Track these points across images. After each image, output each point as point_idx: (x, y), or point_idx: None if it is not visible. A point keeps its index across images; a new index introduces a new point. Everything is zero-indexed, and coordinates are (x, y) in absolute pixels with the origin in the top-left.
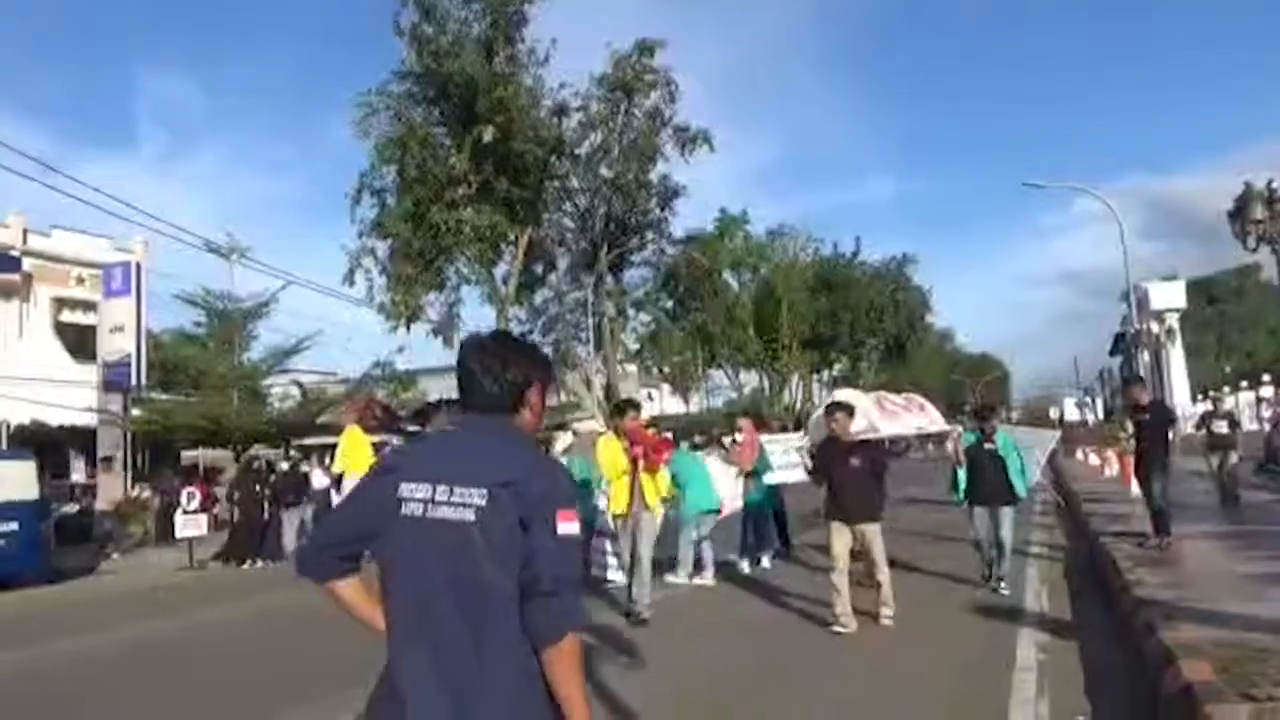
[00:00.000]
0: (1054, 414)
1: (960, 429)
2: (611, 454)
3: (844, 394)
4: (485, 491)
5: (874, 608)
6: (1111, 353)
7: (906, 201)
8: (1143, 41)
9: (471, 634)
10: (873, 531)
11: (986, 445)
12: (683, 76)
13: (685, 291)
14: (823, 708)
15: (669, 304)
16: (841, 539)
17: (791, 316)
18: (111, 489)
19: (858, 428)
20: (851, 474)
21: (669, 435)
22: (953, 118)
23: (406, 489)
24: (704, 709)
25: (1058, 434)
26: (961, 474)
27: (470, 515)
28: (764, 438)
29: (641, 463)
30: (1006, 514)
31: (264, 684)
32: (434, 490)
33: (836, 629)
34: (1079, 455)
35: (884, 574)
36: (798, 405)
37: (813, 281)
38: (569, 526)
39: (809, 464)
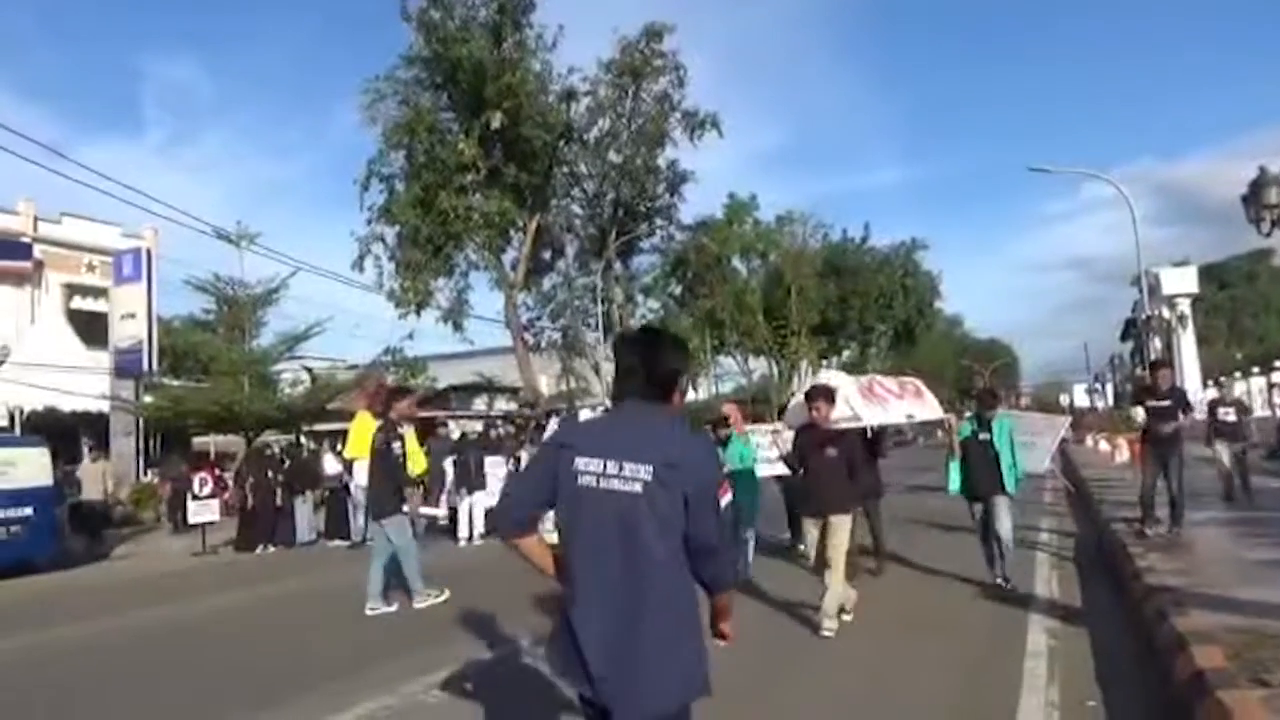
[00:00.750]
0: (1064, 400)
1: (954, 418)
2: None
3: (827, 377)
4: (651, 468)
5: (843, 604)
6: (1122, 338)
7: (915, 186)
8: (1152, 25)
9: (634, 583)
10: (839, 524)
11: (981, 436)
12: (690, 60)
13: (694, 277)
14: (832, 695)
15: (677, 290)
16: (817, 533)
17: (800, 302)
18: (92, 479)
19: (838, 414)
20: (827, 464)
21: None
22: (961, 102)
23: (581, 463)
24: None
25: (1068, 420)
26: (955, 466)
27: (638, 488)
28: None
29: None
30: (1001, 506)
31: (270, 670)
32: (605, 465)
33: (824, 633)
34: (1089, 442)
35: (837, 576)
36: None
37: (822, 267)
38: (724, 499)
39: (783, 451)
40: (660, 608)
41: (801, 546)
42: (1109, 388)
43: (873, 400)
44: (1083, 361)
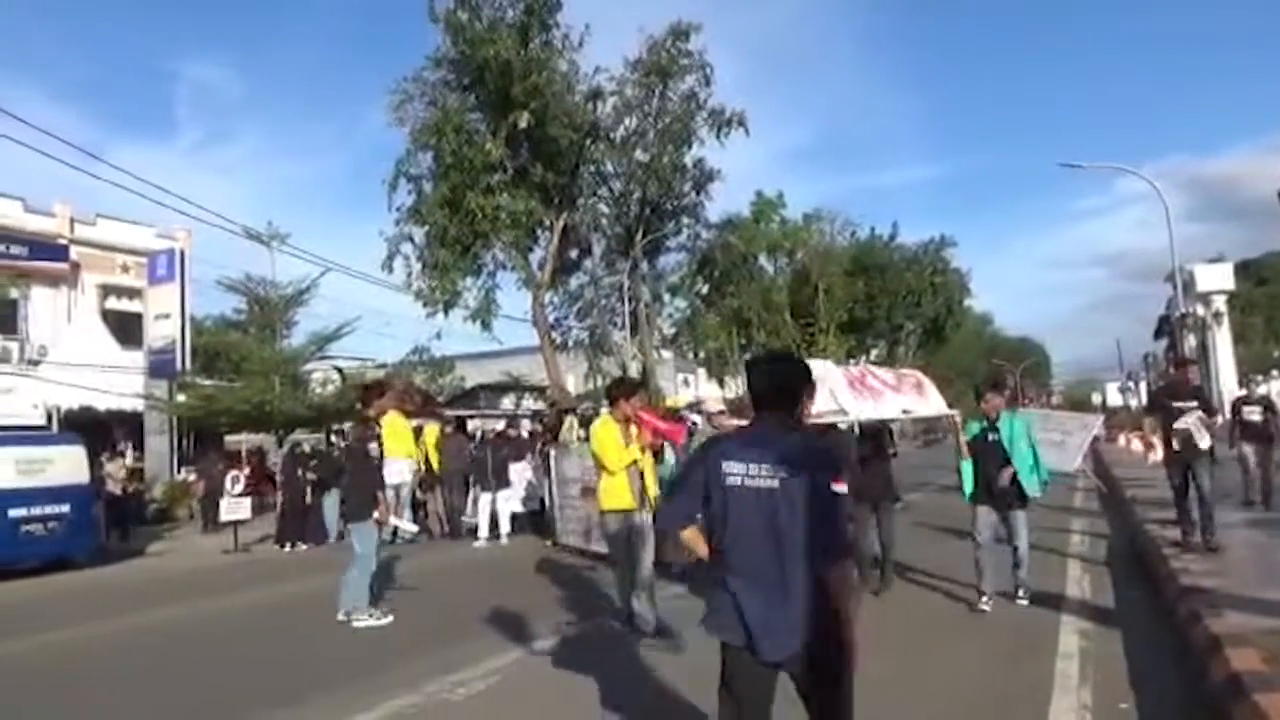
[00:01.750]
0: (1096, 399)
1: (958, 415)
2: (608, 442)
3: (810, 366)
4: (785, 468)
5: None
6: (1156, 336)
7: (944, 183)
8: (1185, 18)
9: (777, 562)
10: None
11: (991, 435)
12: (717, 58)
13: (721, 276)
14: (863, 695)
15: (704, 289)
16: None
17: (828, 301)
18: (113, 476)
19: (822, 408)
20: None
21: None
22: (990, 98)
23: (728, 466)
24: None
25: (1100, 419)
26: (967, 468)
27: (776, 484)
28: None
29: (646, 453)
30: (1018, 519)
31: (297, 668)
32: (748, 467)
33: None
34: (1121, 441)
35: None
36: None
37: (849, 265)
38: (841, 488)
39: None
40: (795, 577)
41: None
42: (1142, 386)
43: (863, 393)
44: (1115, 359)
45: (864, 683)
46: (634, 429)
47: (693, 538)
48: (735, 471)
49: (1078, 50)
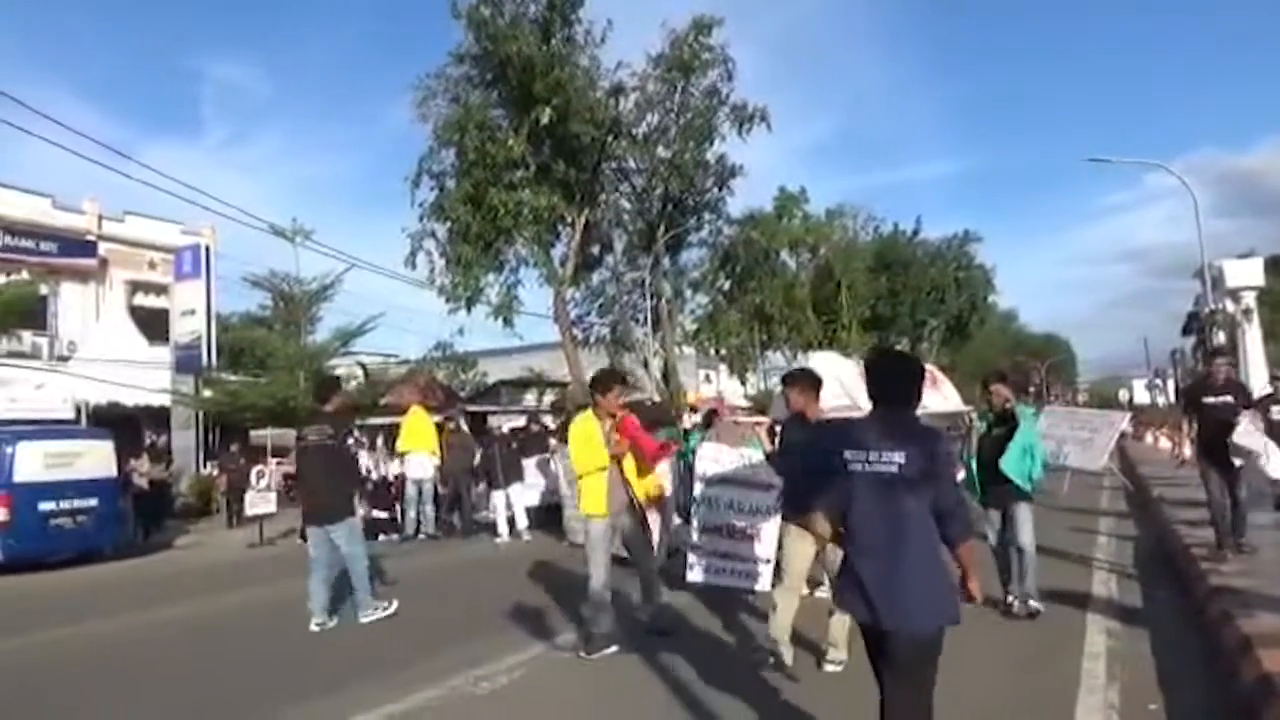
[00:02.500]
0: (1123, 396)
1: (971, 413)
2: (583, 441)
3: (820, 359)
4: (903, 454)
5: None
6: (1184, 333)
7: (968, 178)
8: (1215, 12)
9: (897, 538)
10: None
11: (996, 431)
12: (739, 52)
13: (743, 272)
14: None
15: (726, 285)
16: (800, 545)
17: (850, 297)
18: (143, 470)
19: (834, 404)
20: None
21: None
22: (1016, 93)
23: (849, 454)
24: (765, 709)
25: (1127, 416)
26: (973, 465)
27: (894, 469)
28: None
29: (620, 460)
30: (1020, 513)
31: (321, 661)
32: (868, 455)
33: (774, 658)
34: (1149, 439)
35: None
36: None
37: (872, 261)
38: (958, 475)
39: (766, 447)
40: (916, 556)
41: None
42: (1170, 383)
43: None
44: (1142, 356)
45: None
46: (614, 427)
47: (815, 523)
48: (857, 459)
49: (1106, 44)
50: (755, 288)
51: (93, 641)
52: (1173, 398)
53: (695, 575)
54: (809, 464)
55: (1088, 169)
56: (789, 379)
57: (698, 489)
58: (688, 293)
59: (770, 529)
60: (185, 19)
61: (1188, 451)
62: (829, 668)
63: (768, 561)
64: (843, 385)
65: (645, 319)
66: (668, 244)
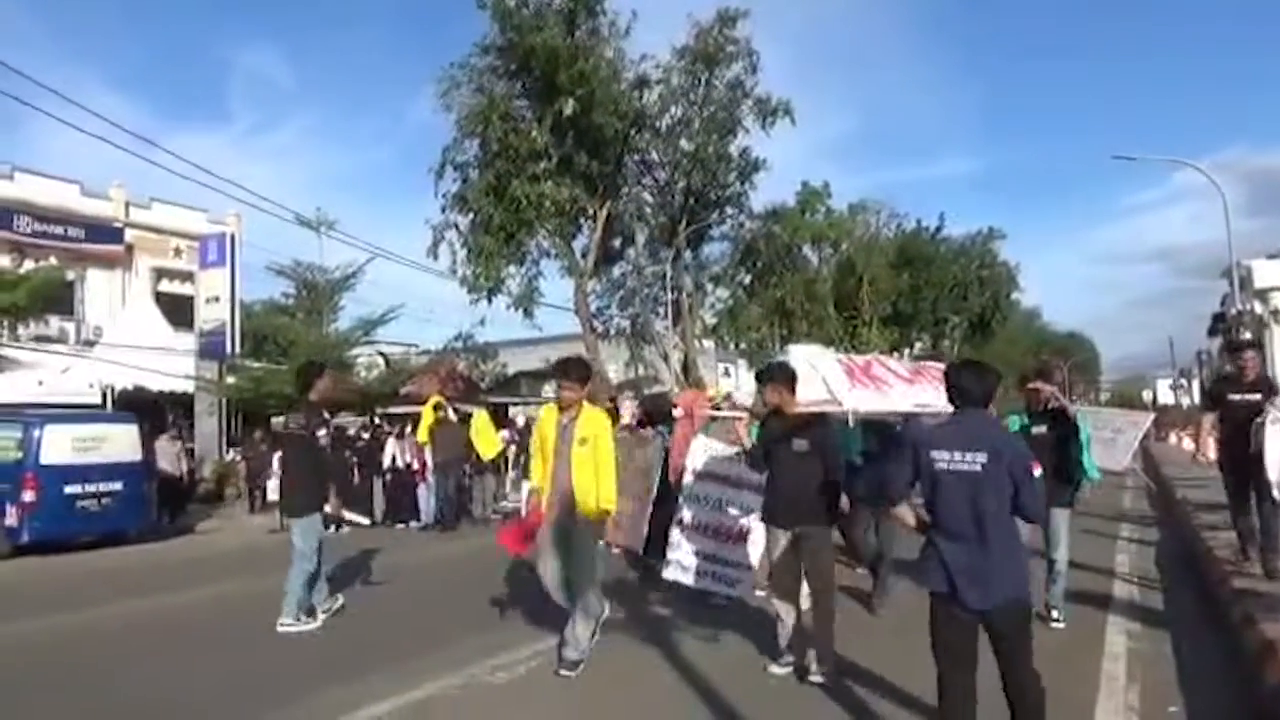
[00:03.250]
0: (1146, 396)
1: (992, 412)
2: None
3: (800, 353)
4: (985, 455)
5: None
6: (1210, 334)
7: (992, 175)
8: (1243, 8)
9: (979, 530)
10: (817, 541)
11: (1036, 430)
12: (762, 45)
13: (764, 266)
14: (907, 693)
15: (747, 279)
16: (779, 551)
17: (872, 293)
18: (167, 455)
19: (813, 397)
20: (791, 461)
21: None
22: (1042, 89)
23: (934, 454)
24: (785, 698)
25: (1151, 417)
26: None
27: (978, 468)
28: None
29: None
30: (1058, 520)
31: (338, 648)
32: (952, 455)
33: (774, 669)
34: (1172, 439)
35: (825, 605)
36: None
37: (894, 257)
38: (1037, 471)
39: (745, 443)
40: (994, 541)
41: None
42: (1195, 384)
43: (863, 383)
44: (1167, 357)
45: (909, 680)
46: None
47: (904, 513)
48: (942, 459)
49: (1133, 41)
50: (776, 282)
51: (123, 621)
52: (1198, 399)
53: (673, 574)
54: (899, 462)
55: (1114, 167)
56: (763, 376)
57: (686, 483)
58: (708, 286)
59: (759, 532)
60: (213, 9)
61: (1212, 454)
62: (813, 678)
63: (749, 568)
64: (824, 380)
65: (666, 312)
66: (689, 237)
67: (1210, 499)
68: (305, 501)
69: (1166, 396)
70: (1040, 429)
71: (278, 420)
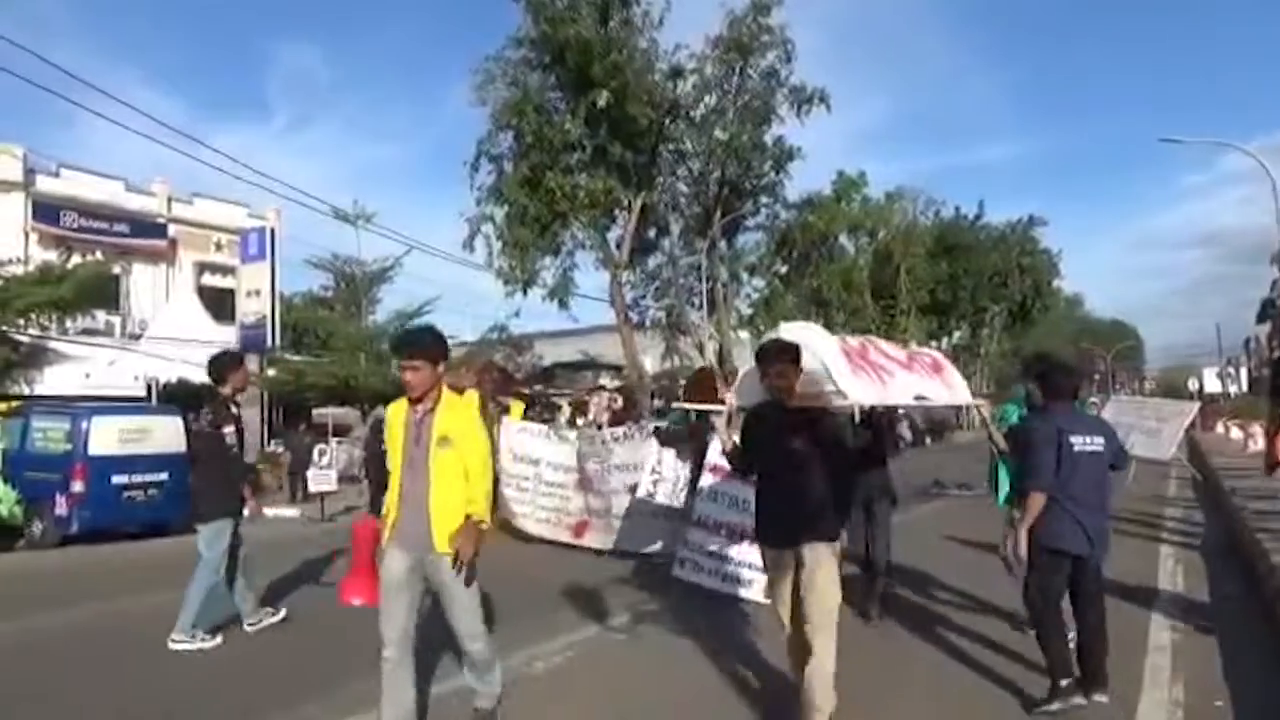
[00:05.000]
0: (1192, 385)
1: (988, 404)
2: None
3: (793, 330)
4: (1103, 440)
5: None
6: (1258, 320)
7: (1033, 160)
8: None
9: (1100, 494)
10: (817, 559)
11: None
12: (797, 32)
13: (800, 256)
14: (954, 687)
15: (783, 269)
16: (781, 574)
17: (910, 282)
18: None
19: (811, 386)
20: (791, 462)
21: None
22: (1084, 71)
23: (1071, 438)
24: None
25: (1196, 406)
26: (1003, 469)
27: (1101, 448)
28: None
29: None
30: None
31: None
32: (1083, 439)
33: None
34: (1219, 429)
35: (823, 644)
36: None
37: (933, 245)
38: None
39: (725, 443)
40: (1108, 505)
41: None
42: (1243, 372)
43: (865, 370)
44: (1214, 344)
45: (955, 676)
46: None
47: (1037, 500)
48: (1075, 441)
49: (1179, 21)
50: (813, 272)
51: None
52: (1245, 387)
53: (682, 572)
54: (1046, 450)
55: (1159, 150)
56: (766, 354)
57: (704, 480)
58: (744, 276)
59: None
60: (251, 4)
61: (1256, 446)
62: None
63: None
64: (825, 365)
65: (701, 302)
66: (724, 227)
67: (1256, 487)
68: (212, 505)
69: (1213, 385)
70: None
71: (327, 410)
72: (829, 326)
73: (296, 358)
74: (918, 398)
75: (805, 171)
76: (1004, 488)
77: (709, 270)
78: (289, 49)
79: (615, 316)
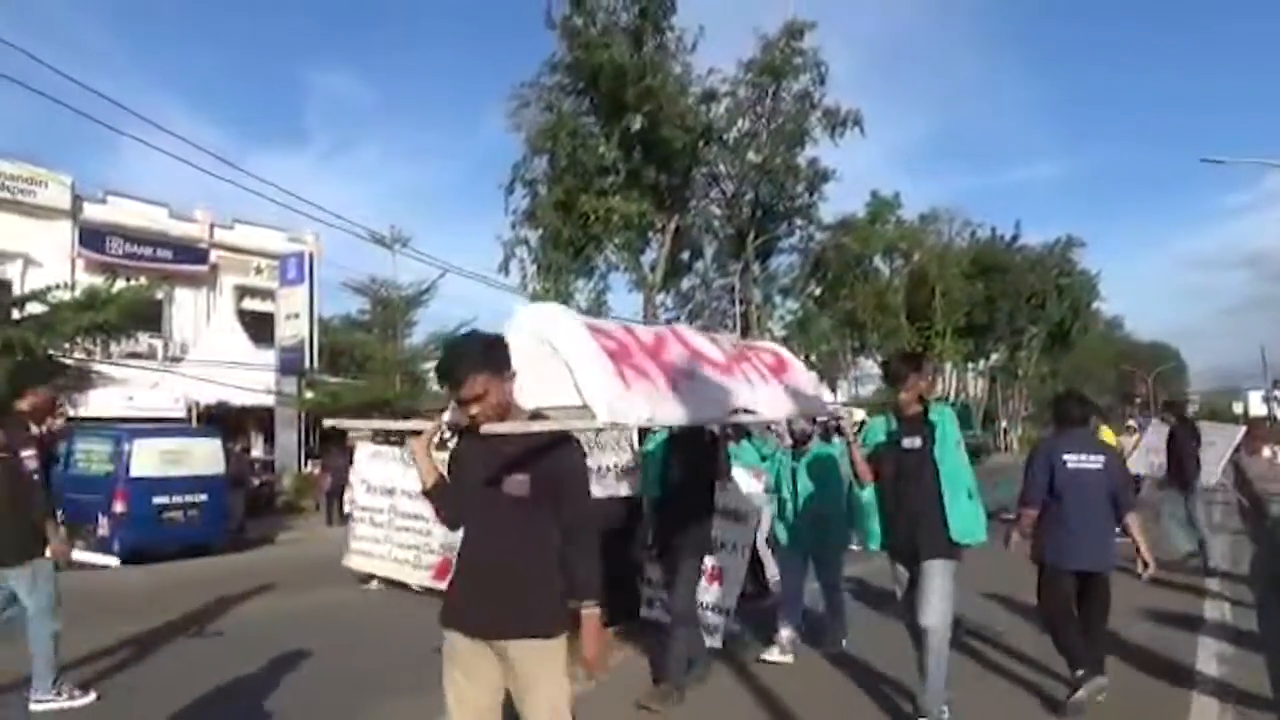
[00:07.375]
0: (1237, 408)
1: (854, 414)
2: None
3: (533, 319)
4: (1101, 459)
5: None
6: None
7: (1072, 181)
8: None
9: (1094, 510)
10: (937, 575)
11: (906, 441)
12: (831, 53)
13: (834, 278)
14: (1004, 716)
15: (817, 291)
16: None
17: (945, 304)
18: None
19: (552, 400)
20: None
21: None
22: (1123, 91)
23: (1065, 456)
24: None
25: (1241, 430)
26: (867, 498)
27: (1098, 467)
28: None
29: None
30: (931, 574)
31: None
32: (1078, 457)
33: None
34: (1265, 453)
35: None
36: (951, 396)
37: (969, 267)
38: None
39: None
40: (1104, 520)
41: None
42: None
43: (648, 374)
44: (1259, 366)
45: (996, 707)
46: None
47: (1031, 517)
48: (1069, 459)
49: (1220, 41)
50: (847, 294)
51: (236, 624)
52: None
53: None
54: (1038, 468)
55: (1201, 170)
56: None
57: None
58: (777, 298)
59: (737, 570)
60: (292, 33)
61: None
62: None
63: (726, 613)
64: (567, 367)
65: (734, 325)
66: (758, 250)
67: None
68: (18, 544)
69: (1259, 408)
70: (913, 441)
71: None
72: (863, 349)
73: (333, 380)
74: (737, 410)
75: (839, 192)
76: (871, 525)
77: (742, 292)
78: (328, 76)
79: None
